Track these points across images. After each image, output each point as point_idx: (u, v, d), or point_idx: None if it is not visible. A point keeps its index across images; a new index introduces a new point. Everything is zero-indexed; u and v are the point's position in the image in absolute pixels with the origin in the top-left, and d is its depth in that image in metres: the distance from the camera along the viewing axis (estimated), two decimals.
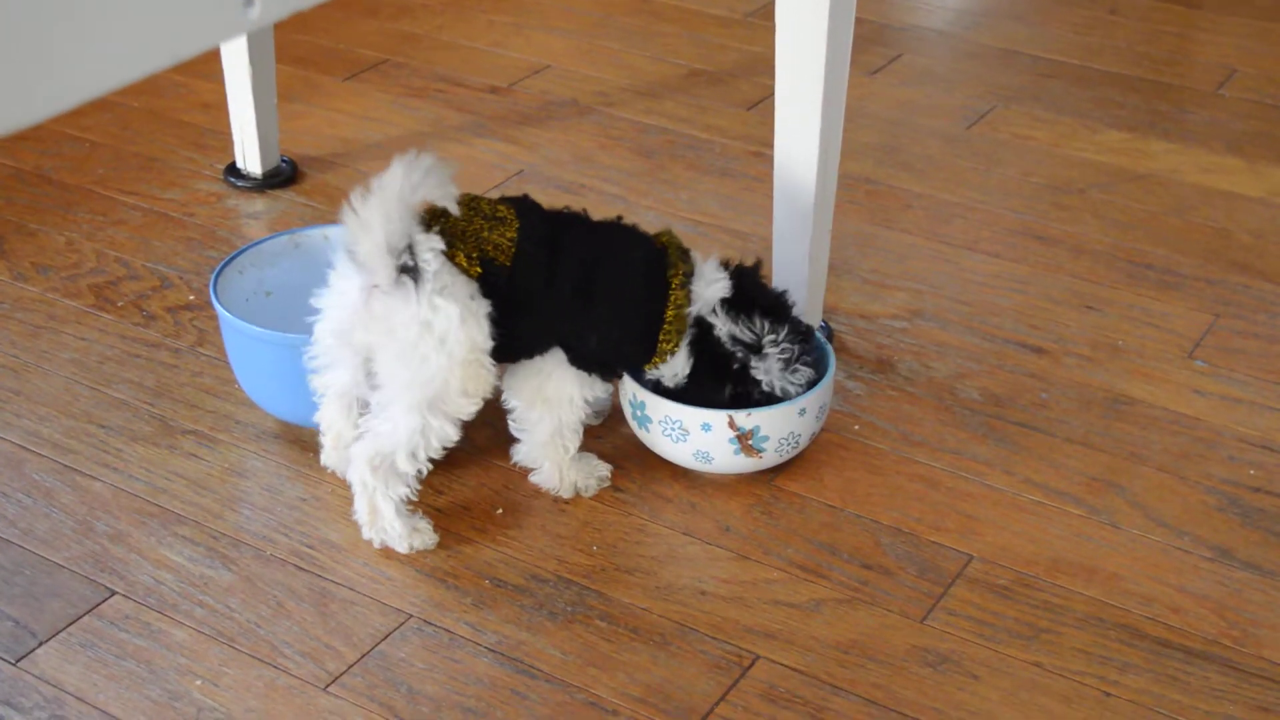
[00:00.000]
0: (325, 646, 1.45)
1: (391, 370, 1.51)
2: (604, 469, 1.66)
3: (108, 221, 2.13)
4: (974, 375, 1.82)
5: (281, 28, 2.52)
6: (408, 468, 1.53)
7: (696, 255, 1.61)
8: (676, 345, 1.57)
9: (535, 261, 1.52)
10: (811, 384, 1.62)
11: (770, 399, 1.60)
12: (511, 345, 1.54)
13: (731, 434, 1.59)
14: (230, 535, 1.59)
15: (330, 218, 2.12)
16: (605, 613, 1.49)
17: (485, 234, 1.51)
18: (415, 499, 1.57)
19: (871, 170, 2.27)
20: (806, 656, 1.45)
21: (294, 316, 1.77)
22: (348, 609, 1.50)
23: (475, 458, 1.69)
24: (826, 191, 1.83)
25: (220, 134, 2.34)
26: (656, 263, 1.58)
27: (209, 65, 2.25)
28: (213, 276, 1.71)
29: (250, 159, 2.22)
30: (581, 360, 1.58)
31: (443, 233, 1.48)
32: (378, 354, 1.52)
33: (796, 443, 1.63)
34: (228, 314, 1.66)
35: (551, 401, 1.59)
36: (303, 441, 1.71)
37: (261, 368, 1.67)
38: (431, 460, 1.54)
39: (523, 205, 1.56)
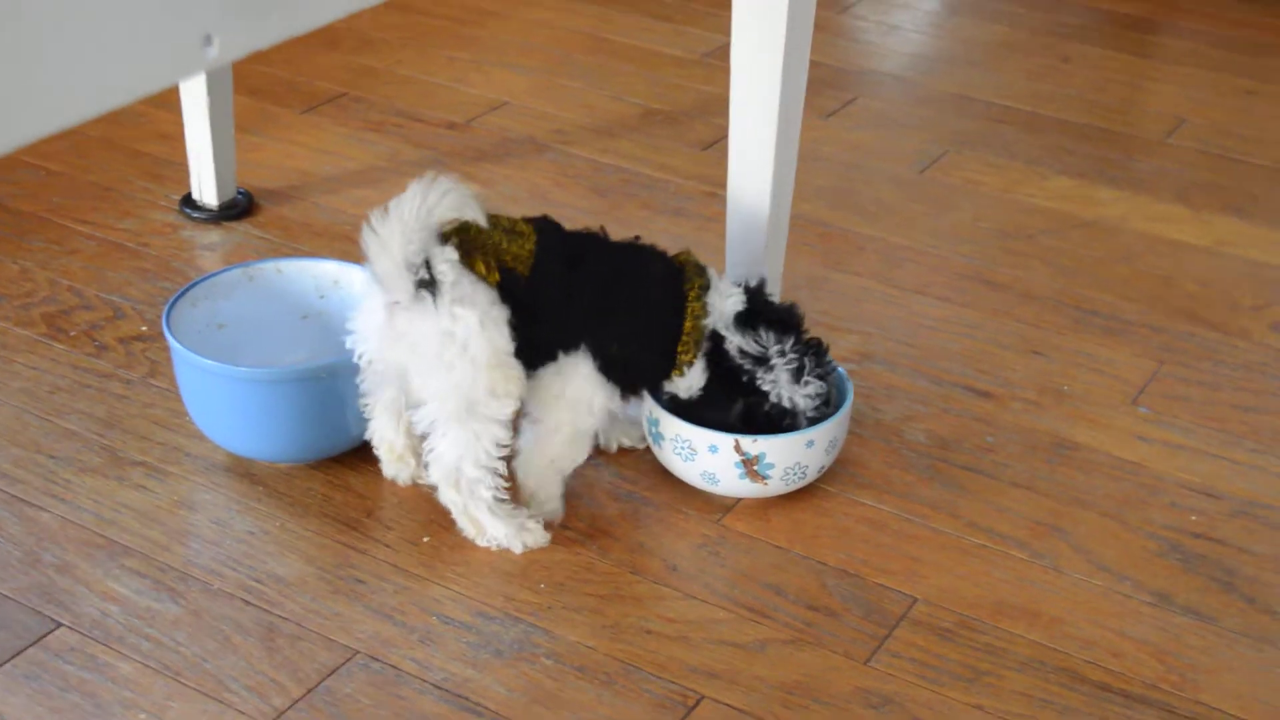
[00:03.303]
0: (271, 681, 1.46)
1: (424, 383, 1.56)
2: (559, 511, 1.66)
3: (62, 250, 2.13)
4: (921, 418, 1.84)
5: (240, 59, 2.53)
6: (477, 473, 1.58)
7: (712, 271, 1.66)
8: (694, 357, 1.62)
9: (553, 273, 1.56)
10: (823, 397, 1.65)
11: (781, 413, 1.63)
12: (532, 353, 1.57)
13: (737, 458, 1.62)
14: (178, 568, 1.59)
15: (285, 250, 2.13)
16: (551, 650, 1.50)
17: (504, 245, 1.55)
18: (504, 497, 1.61)
19: (824, 213, 2.29)
20: (751, 696, 1.46)
21: (246, 349, 1.77)
22: (294, 644, 1.50)
23: (425, 493, 1.69)
24: (779, 233, 1.85)
25: (177, 164, 2.34)
26: (674, 277, 1.63)
27: (167, 95, 2.26)
28: (166, 308, 1.71)
29: (206, 190, 2.22)
30: (605, 368, 1.61)
31: (461, 244, 1.52)
32: (409, 369, 1.57)
33: (804, 474, 1.65)
34: (180, 346, 1.66)
35: (571, 403, 1.62)
36: (252, 475, 1.71)
37: (213, 400, 1.68)
38: (504, 459, 1.59)
39: (541, 222, 1.61)
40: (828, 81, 2.73)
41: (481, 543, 1.62)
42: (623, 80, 2.73)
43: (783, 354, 1.63)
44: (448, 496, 1.61)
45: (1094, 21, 3.06)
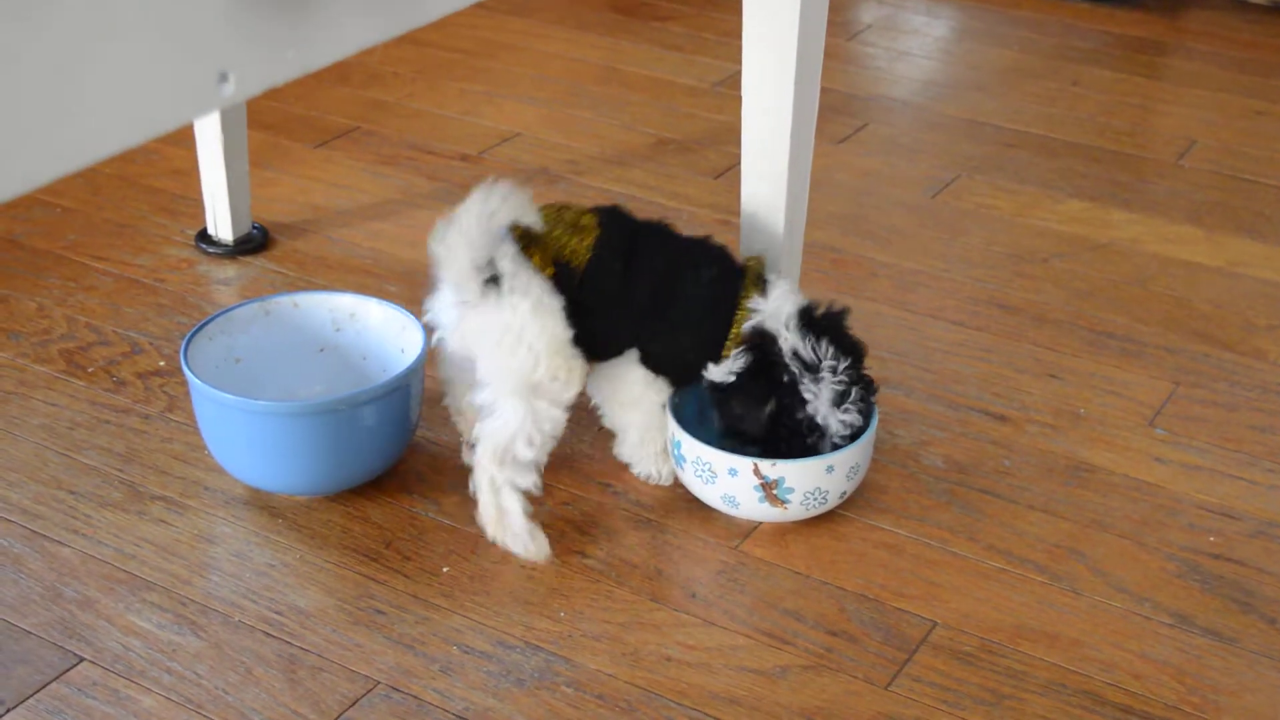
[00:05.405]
0: (293, 713, 1.46)
1: (489, 366, 1.61)
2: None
3: (79, 287, 2.14)
4: (938, 443, 1.84)
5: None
6: (528, 453, 1.61)
7: (784, 281, 1.68)
8: (731, 353, 1.65)
9: (609, 269, 1.61)
10: (854, 431, 1.65)
11: (812, 428, 1.64)
12: (588, 344, 1.63)
13: (756, 481, 1.62)
14: (199, 601, 1.59)
15: (301, 284, 2.14)
16: (572, 679, 1.50)
17: (565, 239, 1.61)
18: (538, 496, 1.65)
19: (837, 239, 2.30)
20: None
21: (264, 383, 1.78)
22: (316, 675, 1.50)
23: (444, 524, 1.70)
24: (793, 260, 1.86)
25: (192, 200, 2.35)
26: (728, 281, 1.66)
27: (180, 131, 2.27)
28: (183, 343, 1.72)
29: (221, 225, 2.23)
30: (650, 363, 1.67)
31: (522, 237, 1.59)
32: (477, 358, 1.62)
33: (824, 499, 1.66)
34: (198, 380, 1.67)
35: (627, 405, 1.70)
36: (271, 507, 1.72)
37: (231, 434, 1.68)
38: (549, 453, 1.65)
39: (608, 214, 1.66)
40: (838, 108, 2.74)
41: (489, 532, 1.63)
42: (634, 110, 2.74)
43: (835, 371, 1.63)
44: (487, 473, 1.61)
45: (1103, 45, 3.07)
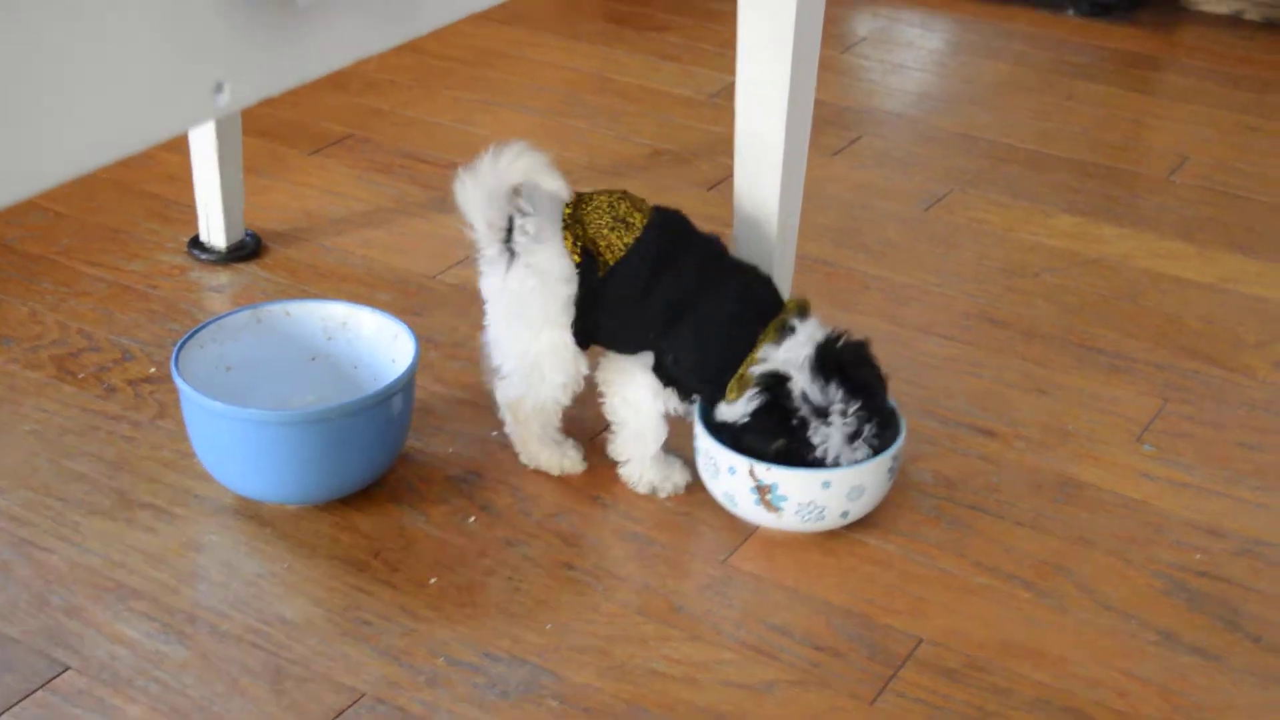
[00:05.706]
0: None
1: (495, 333, 1.71)
2: (680, 477, 1.75)
3: (71, 293, 2.14)
4: (927, 458, 1.84)
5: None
6: (535, 412, 1.73)
7: (810, 322, 1.67)
8: (738, 396, 1.64)
9: (634, 273, 1.64)
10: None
11: (822, 469, 1.64)
12: (599, 336, 1.69)
13: (752, 483, 1.63)
14: (186, 610, 1.59)
15: (293, 292, 2.14)
16: (558, 692, 1.50)
17: (605, 231, 1.65)
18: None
19: (829, 251, 2.30)
20: None
21: (255, 391, 1.78)
22: (302, 686, 1.50)
23: (432, 535, 1.70)
24: (785, 272, 1.86)
25: (185, 206, 2.35)
26: (749, 317, 1.66)
27: (175, 137, 2.27)
28: (174, 350, 1.72)
29: (214, 232, 2.23)
30: (660, 372, 1.69)
31: (571, 216, 1.65)
32: (488, 315, 1.71)
33: (821, 515, 1.65)
34: (188, 388, 1.67)
35: (629, 404, 1.72)
36: (260, 517, 1.72)
37: (221, 442, 1.68)
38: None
39: (661, 218, 1.68)
40: (832, 120, 2.74)
41: (523, 460, 1.77)
42: (629, 121, 2.74)
43: (844, 414, 1.63)
44: (506, 418, 1.76)
45: (1098, 59, 3.08)
